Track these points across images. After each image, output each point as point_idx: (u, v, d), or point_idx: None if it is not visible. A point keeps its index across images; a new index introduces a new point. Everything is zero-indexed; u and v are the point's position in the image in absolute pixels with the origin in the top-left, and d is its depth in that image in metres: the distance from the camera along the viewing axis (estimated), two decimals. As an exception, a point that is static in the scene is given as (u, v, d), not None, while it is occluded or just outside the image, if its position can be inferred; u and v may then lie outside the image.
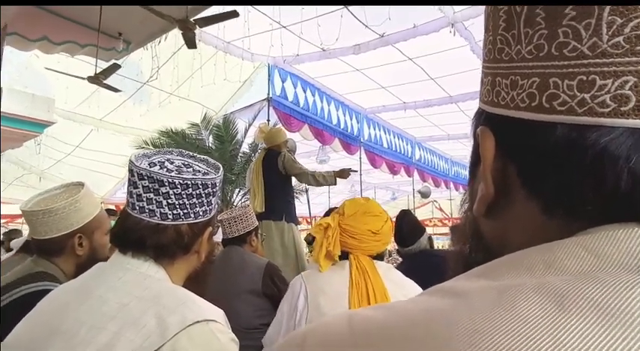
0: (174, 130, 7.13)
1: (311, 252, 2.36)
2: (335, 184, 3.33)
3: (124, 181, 9.33)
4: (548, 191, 0.26)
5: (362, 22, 5.53)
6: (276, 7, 5.42)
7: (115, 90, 5.27)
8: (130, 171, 0.73)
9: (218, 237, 2.17)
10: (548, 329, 0.19)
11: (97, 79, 4.83)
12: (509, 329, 0.20)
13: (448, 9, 5.37)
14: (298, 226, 3.41)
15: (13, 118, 5.90)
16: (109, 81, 5.10)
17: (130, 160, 0.74)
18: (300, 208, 5.04)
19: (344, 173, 3.29)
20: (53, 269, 1.14)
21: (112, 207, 6.68)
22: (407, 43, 6.03)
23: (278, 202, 3.23)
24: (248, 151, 7.29)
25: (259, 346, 1.41)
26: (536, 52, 0.25)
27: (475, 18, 5.31)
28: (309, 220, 8.31)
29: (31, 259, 1.19)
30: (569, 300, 0.20)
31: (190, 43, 4.21)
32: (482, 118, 0.31)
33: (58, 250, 1.16)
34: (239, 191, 7.26)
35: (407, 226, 2.21)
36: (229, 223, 1.83)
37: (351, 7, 5.25)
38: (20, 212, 1.20)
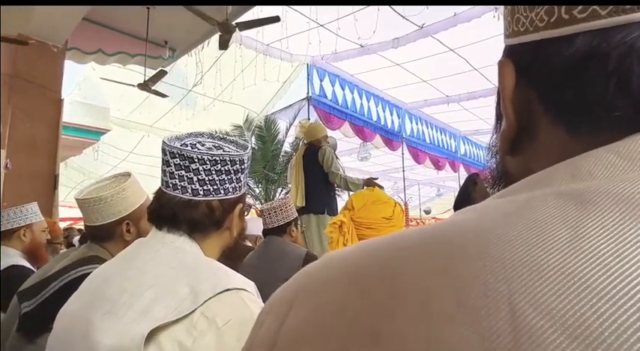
0: (218, 132, 7.38)
1: None
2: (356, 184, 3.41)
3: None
4: (573, 107, 0.24)
5: (399, 14, 5.43)
6: (313, 6, 5.46)
7: (163, 95, 5.55)
8: (163, 150, 0.76)
9: (259, 229, 2.21)
10: (567, 227, 0.18)
11: (146, 85, 5.11)
12: (524, 227, 0.18)
13: (491, -8, 5.14)
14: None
15: (73, 127, 6.40)
16: (157, 88, 5.38)
17: (163, 140, 0.77)
18: (341, 204, 5.03)
19: (371, 182, 3.39)
20: (104, 253, 1.21)
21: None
22: (448, 34, 5.83)
23: (319, 195, 3.24)
24: (289, 150, 7.39)
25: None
26: None
27: (522, -1, 5.04)
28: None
29: (85, 245, 1.27)
30: (590, 198, 0.19)
31: (224, 45, 4.34)
32: (504, 54, 0.30)
33: (108, 236, 1.23)
34: (281, 190, 7.37)
35: (476, 196, 1.80)
36: (269, 214, 1.85)
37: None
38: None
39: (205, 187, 0.74)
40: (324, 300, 0.21)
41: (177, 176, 0.74)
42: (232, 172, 0.77)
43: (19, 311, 1.08)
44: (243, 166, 0.79)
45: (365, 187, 3.34)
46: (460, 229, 0.20)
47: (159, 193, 0.78)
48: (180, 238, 0.74)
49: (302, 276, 0.24)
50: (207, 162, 0.74)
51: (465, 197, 1.85)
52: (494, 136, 0.34)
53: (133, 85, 5.22)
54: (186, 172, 0.74)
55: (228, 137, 0.86)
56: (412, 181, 12.60)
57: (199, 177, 0.74)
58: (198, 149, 0.75)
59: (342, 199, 6.21)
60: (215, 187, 0.75)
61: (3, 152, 4.08)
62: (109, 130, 7.08)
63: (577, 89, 0.24)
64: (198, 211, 0.75)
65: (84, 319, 0.66)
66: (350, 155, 9.11)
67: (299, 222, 2.00)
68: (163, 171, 0.76)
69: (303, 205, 3.19)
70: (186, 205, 0.74)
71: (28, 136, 4.17)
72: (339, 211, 3.43)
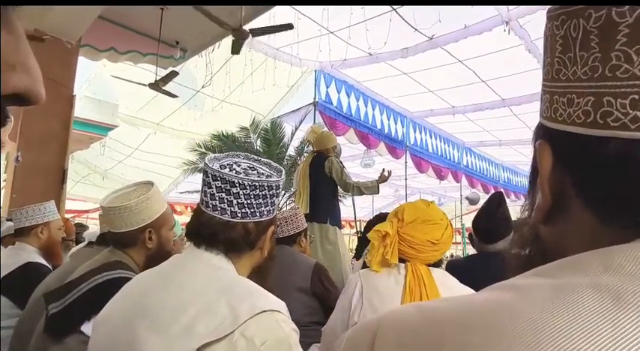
0: (225, 133, 7.44)
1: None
2: (378, 192, 3.46)
3: (177, 181, 9.86)
4: (603, 202, 0.27)
5: (411, 25, 5.48)
6: (325, 14, 5.51)
7: (173, 95, 5.60)
8: (205, 172, 0.81)
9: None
10: (606, 322, 0.21)
11: (157, 85, 5.16)
12: (570, 320, 0.22)
13: (502, 6, 5.19)
14: (341, 230, 3.46)
15: (82, 122, 6.45)
16: (166, 87, 5.44)
17: (205, 162, 0.83)
18: (345, 211, 5.06)
19: (384, 178, 3.44)
20: (127, 259, 1.26)
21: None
22: (457, 45, 5.89)
23: (323, 204, 3.28)
24: (294, 154, 7.45)
25: (307, 342, 1.46)
26: (591, 73, 0.27)
27: (532, 14, 5.07)
28: (352, 224, 8.31)
29: (108, 250, 1.32)
30: (626, 297, 0.22)
31: (236, 49, 4.40)
32: (540, 133, 0.33)
33: (131, 243, 1.28)
34: (284, 193, 7.42)
35: (499, 217, 1.73)
36: (280, 224, 1.90)
37: (399, 11, 5.22)
38: (86, 208, 1.35)
39: (243, 210, 0.79)
40: None
41: (217, 198, 0.79)
42: (268, 196, 0.82)
43: (46, 312, 1.13)
44: (277, 191, 0.84)
45: (379, 188, 3.40)
46: (514, 315, 0.23)
47: (198, 212, 0.83)
48: (216, 257, 0.79)
49: (377, 326, 0.29)
50: (247, 187, 0.79)
51: (486, 217, 1.80)
52: (526, 202, 0.38)
53: (144, 85, 5.28)
54: (226, 195, 0.79)
55: (261, 159, 0.91)
56: (414, 189, 12.64)
57: (239, 200, 0.79)
58: (236, 171, 0.80)
59: (344, 204, 6.25)
60: (252, 210, 0.80)
61: (14, 145, 4.14)
62: (116, 126, 7.13)
63: (606, 187, 0.27)
64: (235, 231, 0.79)
65: (128, 330, 0.71)
66: (353, 161, 9.16)
67: (308, 233, 2.05)
68: (204, 191, 0.81)
69: (307, 212, 3.23)
70: (224, 226, 0.79)
71: (40, 130, 4.22)
72: (341, 220, 3.44)
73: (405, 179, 9.11)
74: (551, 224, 0.32)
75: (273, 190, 0.83)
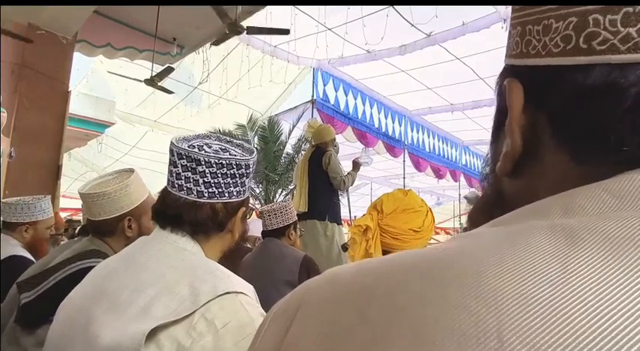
0: (222, 130, 7.40)
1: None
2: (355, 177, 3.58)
3: (175, 179, 9.82)
4: (582, 136, 0.24)
5: (408, 21, 5.45)
6: (322, 10, 5.48)
7: (169, 92, 5.58)
8: (171, 151, 0.78)
9: (258, 230, 2.22)
10: (556, 262, 0.19)
11: (153, 81, 5.13)
12: (517, 261, 0.19)
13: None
14: (340, 226, 3.42)
15: (79, 119, 6.42)
16: (163, 84, 5.41)
17: (171, 141, 0.79)
18: (342, 210, 5.00)
19: (357, 166, 3.59)
20: (105, 248, 1.23)
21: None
22: (455, 42, 5.86)
23: (322, 201, 3.23)
24: (291, 152, 7.42)
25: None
26: None
27: (530, 11, 5.08)
28: (349, 222, 8.28)
29: (87, 238, 1.29)
30: (580, 234, 0.19)
31: (218, 42, 4.40)
32: (508, 74, 0.30)
33: (110, 231, 1.25)
34: (281, 191, 7.38)
35: None
36: (269, 216, 1.87)
37: (397, 7, 5.20)
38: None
39: (210, 190, 0.76)
40: (325, 318, 0.22)
41: (183, 177, 0.76)
42: (237, 175, 0.78)
43: (19, 302, 1.10)
44: (248, 171, 0.80)
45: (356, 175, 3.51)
46: (458, 257, 0.21)
47: (164, 193, 0.79)
48: (182, 239, 0.76)
49: (305, 289, 0.25)
50: (214, 165, 0.75)
51: None
52: (489, 156, 0.34)
53: (140, 81, 5.25)
54: (192, 174, 0.75)
55: (234, 141, 0.87)
56: (412, 188, 12.59)
57: (205, 179, 0.75)
58: (205, 151, 0.77)
59: (342, 204, 6.21)
60: (220, 189, 0.76)
61: (8, 141, 4.11)
62: (113, 124, 7.11)
63: (588, 120, 0.23)
64: (202, 212, 0.76)
65: (85, 313, 0.68)
66: (351, 160, 9.11)
67: (298, 226, 2.02)
68: (170, 171, 0.78)
69: (306, 210, 3.18)
70: (190, 207, 0.75)
71: (34, 125, 4.18)
72: (341, 216, 3.43)
73: (404, 178, 9.08)
74: (519, 175, 0.29)
75: (243, 170, 0.79)
